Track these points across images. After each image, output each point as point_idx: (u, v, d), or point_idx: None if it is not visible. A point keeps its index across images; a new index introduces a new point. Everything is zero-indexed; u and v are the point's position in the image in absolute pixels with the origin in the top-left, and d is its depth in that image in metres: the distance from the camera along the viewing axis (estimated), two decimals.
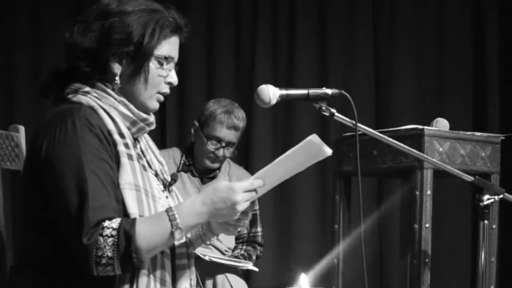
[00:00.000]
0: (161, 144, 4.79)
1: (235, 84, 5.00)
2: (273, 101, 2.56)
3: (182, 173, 3.99)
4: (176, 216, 2.09)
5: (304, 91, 2.61)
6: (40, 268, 2.16)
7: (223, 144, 3.92)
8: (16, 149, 2.70)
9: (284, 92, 2.58)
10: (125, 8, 2.23)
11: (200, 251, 3.67)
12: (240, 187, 2.11)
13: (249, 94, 4.77)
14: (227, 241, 4.04)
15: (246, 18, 5.01)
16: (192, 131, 4.02)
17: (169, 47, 2.27)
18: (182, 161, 4.01)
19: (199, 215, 2.12)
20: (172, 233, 2.09)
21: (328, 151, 2.11)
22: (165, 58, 2.26)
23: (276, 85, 2.59)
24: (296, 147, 2.12)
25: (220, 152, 3.93)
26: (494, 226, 3.46)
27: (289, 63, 5.01)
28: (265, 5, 5.00)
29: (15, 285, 2.22)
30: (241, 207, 2.12)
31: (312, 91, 2.61)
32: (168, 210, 2.11)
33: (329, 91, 2.62)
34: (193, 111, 4.74)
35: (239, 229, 2.25)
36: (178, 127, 4.94)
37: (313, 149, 2.11)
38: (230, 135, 3.92)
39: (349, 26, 5.06)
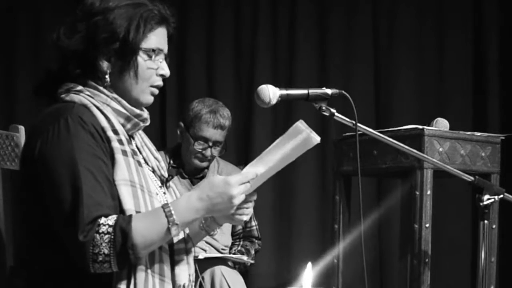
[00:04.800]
0: (161, 144, 4.79)
1: (235, 84, 4.99)
2: (273, 101, 2.56)
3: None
4: (173, 212, 2.09)
5: (304, 91, 2.61)
6: (37, 268, 2.16)
7: (210, 144, 3.91)
8: (16, 149, 2.70)
9: (284, 92, 2.58)
10: (108, 6, 2.23)
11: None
12: (236, 181, 2.12)
13: (249, 94, 4.76)
14: (223, 239, 4.03)
15: (247, 18, 5.01)
16: (178, 132, 4.02)
17: (156, 39, 2.26)
18: (169, 164, 4.00)
19: (196, 211, 2.12)
20: (168, 229, 2.09)
21: (317, 138, 2.12)
22: (153, 50, 2.25)
23: (276, 85, 2.59)
24: (284, 134, 2.13)
25: (208, 152, 3.93)
26: (494, 226, 3.46)
27: (289, 63, 5.01)
28: (265, 5, 5.00)
29: (15, 285, 2.22)
30: (237, 200, 2.12)
31: (312, 91, 2.60)
32: (165, 206, 2.10)
33: (329, 91, 2.62)
34: None
35: (245, 218, 2.25)
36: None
37: (301, 135, 2.12)
38: (216, 135, 3.92)
39: (349, 26, 5.05)
